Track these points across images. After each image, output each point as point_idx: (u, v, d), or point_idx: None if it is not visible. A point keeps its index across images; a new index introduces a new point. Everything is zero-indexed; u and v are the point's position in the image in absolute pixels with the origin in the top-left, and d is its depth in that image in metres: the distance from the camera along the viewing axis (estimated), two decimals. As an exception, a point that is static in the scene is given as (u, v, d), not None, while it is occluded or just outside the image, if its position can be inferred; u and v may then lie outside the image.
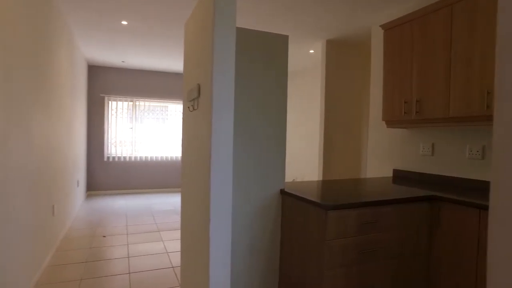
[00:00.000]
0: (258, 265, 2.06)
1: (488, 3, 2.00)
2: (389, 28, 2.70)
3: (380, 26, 2.78)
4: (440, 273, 1.99)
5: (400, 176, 2.96)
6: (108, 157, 6.36)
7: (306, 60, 5.43)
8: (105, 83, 6.29)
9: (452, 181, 2.50)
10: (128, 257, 3.11)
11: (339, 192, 2.03)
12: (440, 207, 1.99)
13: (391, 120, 2.68)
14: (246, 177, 1.99)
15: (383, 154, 3.20)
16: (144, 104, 6.64)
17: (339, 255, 1.72)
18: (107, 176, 6.35)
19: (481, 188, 2.30)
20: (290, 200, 2.02)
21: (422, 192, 2.11)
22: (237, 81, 1.94)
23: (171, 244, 3.50)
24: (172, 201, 5.82)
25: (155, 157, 6.70)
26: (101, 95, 6.25)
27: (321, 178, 4.24)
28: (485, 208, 1.75)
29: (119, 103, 6.45)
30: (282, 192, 2.08)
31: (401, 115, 2.57)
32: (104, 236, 3.71)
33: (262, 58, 2.01)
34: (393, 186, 2.40)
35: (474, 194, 2.09)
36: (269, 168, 2.06)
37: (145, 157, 6.62)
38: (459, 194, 2.05)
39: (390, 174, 3.10)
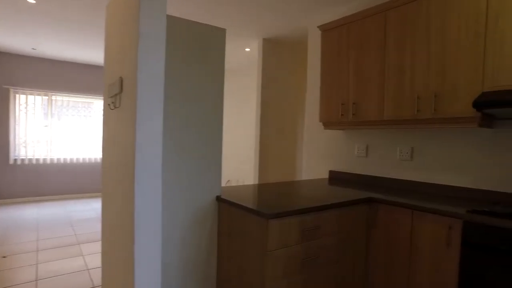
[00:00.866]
0: (193, 282, 1.85)
1: (417, 15, 2.08)
2: (327, 30, 2.70)
3: (318, 27, 2.77)
4: (376, 273, 2.02)
5: (336, 177, 3.00)
6: (16, 160, 5.45)
7: (242, 59, 5.31)
8: (10, 73, 5.37)
9: (385, 181, 2.60)
10: (37, 280, 2.62)
11: (278, 197, 1.92)
12: (378, 208, 2.02)
13: (328, 121, 2.69)
14: (177, 182, 1.77)
15: (319, 155, 3.22)
16: (63, 100, 5.84)
17: (281, 266, 1.61)
18: (14, 181, 5.44)
19: (411, 189, 2.41)
20: (227, 208, 1.85)
21: (361, 194, 2.12)
22: (167, 75, 1.70)
23: (94, 259, 3.07)
24: (95, 207, 5.21)
25: (76, 158, 5.96)
26: (4, 86, 5.31)
27: (257, 179, 4.16)
28: (417, 208, 1.81)
29: (30, 97, 5.57)
30: (219, 199, 1.91)
31: (338, 117, 2.58)
32: (4, 257, 3.09)
33: (196, 52, 1.80)
34: (330, 188, 2.39)
35: (407, 194, 2.17)
36: (203, 173, 1.86)
37: (63, 158, 5.84)
38: (393, 195, 2.11)
39: (326, 175, 3.13)
